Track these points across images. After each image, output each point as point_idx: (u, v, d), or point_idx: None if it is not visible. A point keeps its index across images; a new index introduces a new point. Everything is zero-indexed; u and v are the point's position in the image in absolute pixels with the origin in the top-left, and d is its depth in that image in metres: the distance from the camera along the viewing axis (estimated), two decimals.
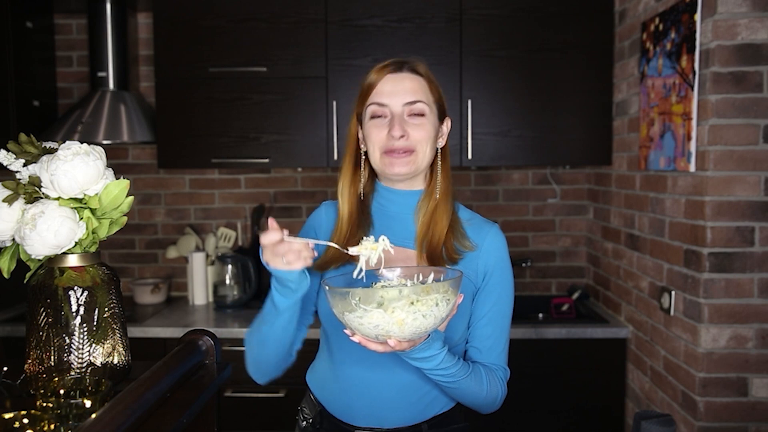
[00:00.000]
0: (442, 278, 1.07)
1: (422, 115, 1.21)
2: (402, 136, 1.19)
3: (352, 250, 1.09)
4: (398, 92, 1.20)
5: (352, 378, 1.25)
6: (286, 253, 1.03)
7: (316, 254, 1.08)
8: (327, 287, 1.02)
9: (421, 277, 1.10)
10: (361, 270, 1.08)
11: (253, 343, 1.22)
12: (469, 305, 1.25)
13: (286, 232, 1.03)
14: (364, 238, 1.10)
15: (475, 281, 1.25)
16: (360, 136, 1.27)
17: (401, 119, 1.20)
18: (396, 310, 0.96)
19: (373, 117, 1.22)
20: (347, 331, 1.03)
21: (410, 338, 1.00)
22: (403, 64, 1.23)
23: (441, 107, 1.26)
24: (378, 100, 1.21)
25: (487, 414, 1.29)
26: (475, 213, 1.32)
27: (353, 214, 1.25)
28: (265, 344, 1.19)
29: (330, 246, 1.18)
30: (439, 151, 1.27)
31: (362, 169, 1.28)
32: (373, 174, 1.30)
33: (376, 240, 1.09)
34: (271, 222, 1.05)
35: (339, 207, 1.27)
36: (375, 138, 1.21)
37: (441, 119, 1.27)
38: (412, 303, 0.97)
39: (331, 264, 1.23)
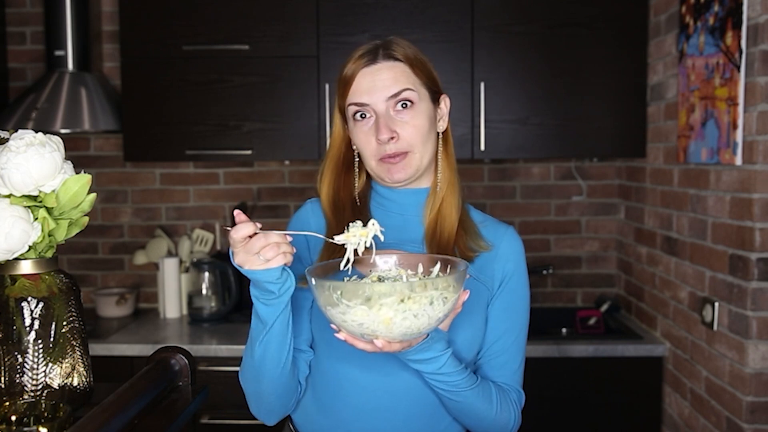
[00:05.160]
0: (449, 268, 1.06)
1: (411, 103, 1.20)
2: (392, 138, 1.19)
3: (338, 239, 1.08)
4: (377, 87, 1.19)
5: (348, 408, 1.23)
6: (262, 248, 1.00)
7: (295, 250, 1.06)
8: (312, 279, 1.00)
9: (421, 268, 1.10)
10: (348, 261, 1.07)
11: (249, 376, 1.19)
12: (484, 316, 1.25)
13: (258, 225, 1.01)
14: (351, 223, 1.08)
15: (491, 287, 1.25)
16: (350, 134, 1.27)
17: (387, 118, 1.19)
18: (383, 307, 0.95)
19: (356, 119, 1.22)
20: (333, 326, 1.03)
21: (400, 339, 1.00)
22: (377, 52, 1.21)
23: (433, 87, 1.25)
24: (356, 99, 1.21)
25: None
26: (488, 215, 1.33)
27: (348, 220, 1.24)
28: (263, 371, 1.15)
29: (318, 237, 1.16)
30: (440, 135, 1.26)
31: (356, 172, 1.29)
32: (367, 174, 1.30)
33: (365, 225, 1.07)
34: (239, 215, 1.02)
35: (327, 217, 1.26)
36: (365, 145, 1.22)
37: (435, 100, 1.26)
38: (402, 300, 0.96)
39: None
